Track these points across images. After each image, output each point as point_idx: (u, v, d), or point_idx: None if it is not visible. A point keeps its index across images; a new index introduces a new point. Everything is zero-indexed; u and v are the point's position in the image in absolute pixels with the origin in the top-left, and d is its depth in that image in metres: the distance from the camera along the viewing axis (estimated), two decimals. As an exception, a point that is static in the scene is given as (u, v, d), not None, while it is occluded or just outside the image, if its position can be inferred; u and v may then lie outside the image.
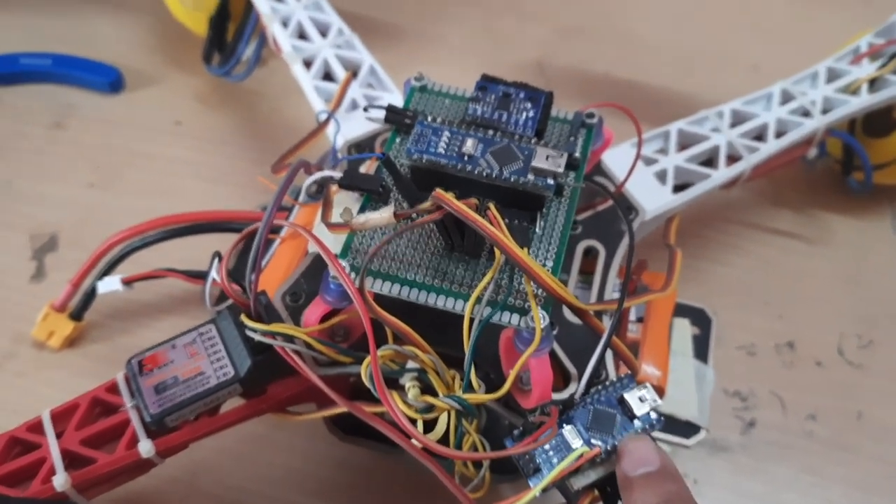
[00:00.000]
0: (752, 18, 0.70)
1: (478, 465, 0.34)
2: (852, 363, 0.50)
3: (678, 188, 0.43)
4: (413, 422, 0.32)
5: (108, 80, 0.60)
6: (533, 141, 0.33)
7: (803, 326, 0.51)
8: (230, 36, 0.57)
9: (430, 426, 0.32)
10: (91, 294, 0.46)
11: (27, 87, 0.61)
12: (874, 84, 0.48)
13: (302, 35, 0.50)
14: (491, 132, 0.34)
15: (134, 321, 0.49)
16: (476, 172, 0.32)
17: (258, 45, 0.55)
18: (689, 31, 0.68)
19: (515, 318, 0.31)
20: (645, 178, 0.43)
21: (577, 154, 0.36)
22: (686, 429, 0.41)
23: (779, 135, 0.46)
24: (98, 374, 0.37)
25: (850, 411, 0.48)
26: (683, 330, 0.43)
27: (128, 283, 0.44)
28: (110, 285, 0.44)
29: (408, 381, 0.33)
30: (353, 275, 0.32)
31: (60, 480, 0.33)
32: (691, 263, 0.53)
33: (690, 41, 0.67)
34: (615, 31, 0.68)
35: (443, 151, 0.33)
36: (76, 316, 0.47)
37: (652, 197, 0.42)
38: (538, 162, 0.32)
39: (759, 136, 0.46)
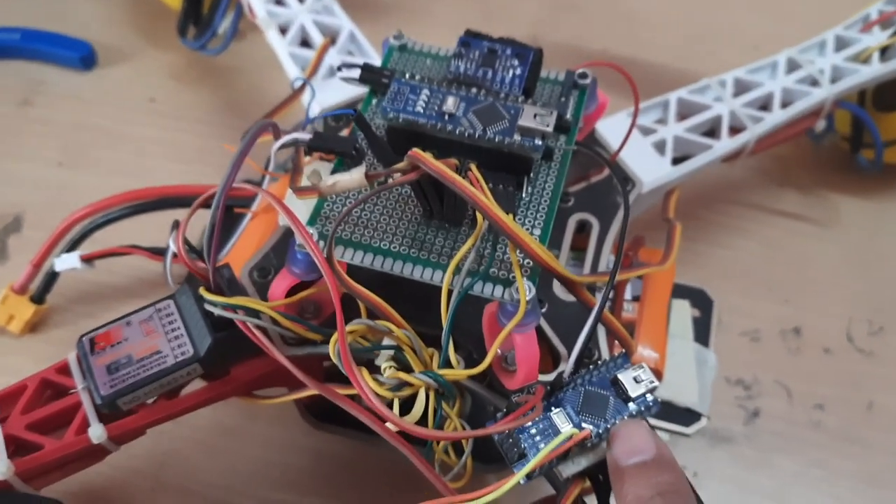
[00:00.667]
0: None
1: (459, 452, 0.32)
2: (862, 350, 0.47)
3: (677, 160, 0.40)
4: (389, 405, 0.29)
5: (80, 55, 0.57)
6: (520, 100, 0.31)
7: (810, 312, 0.48)
8: (206, 8, 0.54)
9: (407, 411, 0.30)
10: (52, 275, 0.44)
11: (-6, 63, 0.58)
12: (885, 53, 0.46)
13: (279, 1, 0.47)
14: (474, 90, 0.31)
15: (99, 304, 0.46)
16: (457, 132, 0.30)
17: (235, 17, 0.52)
18: (688, 8, 0.65)
19: (499, 290, 0.29)
20: (643, 148, 0.40)
21: (569, 116, 0.33)
22: (686, 416, 0.38)
23: (784, 105, 0.43)
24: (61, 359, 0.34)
25: (859, 401, 0.45)
26: (683, 311, 0.40)
27: (87, 260, 0.41)
28: (68, 262, 0.41)
29: (384, 362, 0.30)
30: (321, 243, 0.29)
31: (2, 468, 0.30)
32: (693, 246, 0.50)
33: (690, 19, 0.64)
34: (612, 6, 0.65)
35: (421, 110, 0.30)
36: (37, 299, 0.45)
37: (650, 168, 0.39)
38: (525, 121, 0.29)
39: (764, 105, 0.44)
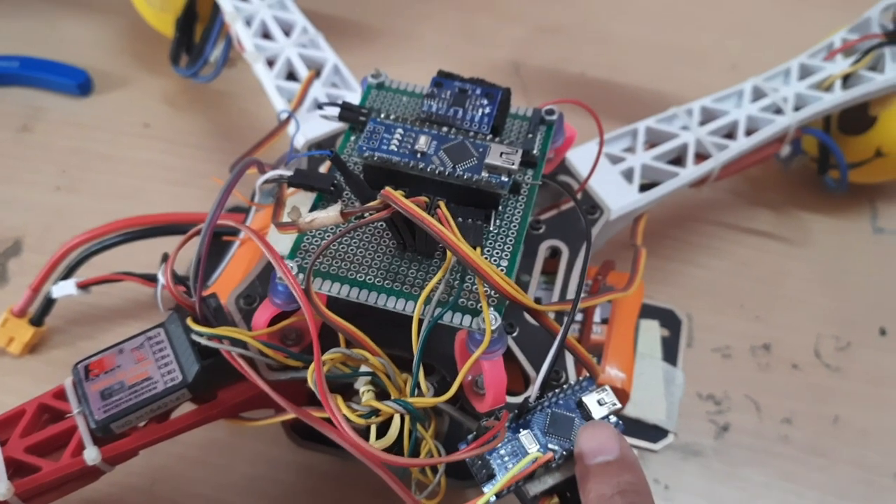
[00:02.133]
0: (732, 18, 0.69)
1: (435, 470, 0.33)
2: (829, 366, 0.49)
3: (645, 187, 0.42)
4: (368, 429, 0.31)
5: (77, 82, 0.59)
6: (488, 138, 0.33)
7: (780, 328, 0.50)
8: (198, 37, 0.56)
9: (384, 433, 0.31)
10: (51, 299, 0.45)
11: (-5, 90, 0.60)
12: (848, 80, 0.47)
13: (266, 34, 0.49)
14: (445, 129, 0.33)
15: (96, 326, 0.48)
16: (429, 170, 0.32)
17: (226, 46, 0.54)
18: (667, 31, 0.67)
19: (467, 320, 0.30)
20: (611, 176, 0.42)
21: (536, 151, 0.35)
22: (654, 433, 0.39)
23: (749, 132, 0.45)
24: (59, 380, 0.35)
25: (826, 415, 0.47)
26: (652, 332, 0.42)
27: (83, 286, 0.43)
28: (65, 289, 0.43)
29: (362, 386, 0.32)
30: (300, 276, 0.31)
31: (2, 489, 0.32)
32: (666, 266, 0.52)
33: (669, 41, 0.66)
34: (593, 31, 0.67)
35: (395, 149, 0.32)
36: (36, 321, 0.46)
37: (618, 196, 0.41)
38: (492, 159, 0.31)
39: (730, 133, 0.45)
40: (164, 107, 0.59)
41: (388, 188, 0.29)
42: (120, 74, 0.61)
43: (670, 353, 0.42)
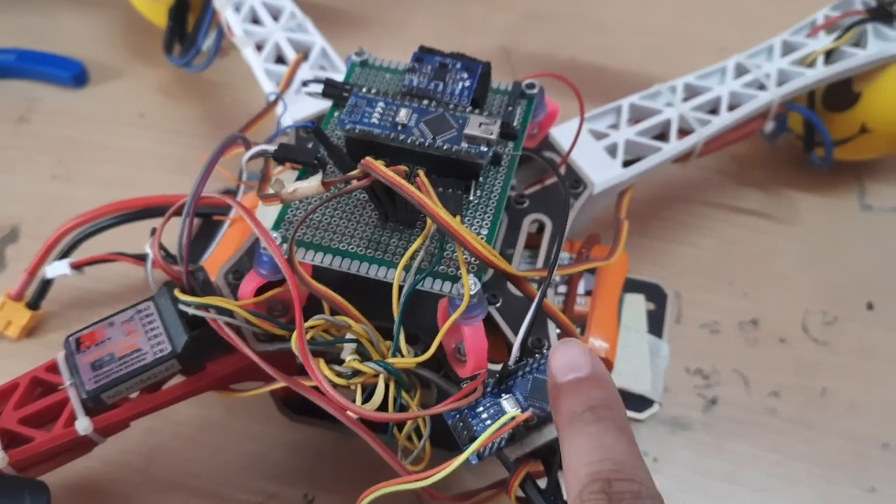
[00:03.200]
0: (721, 2, 0.69)
1: (420, 436, 0.34)
2: (817, 340, 0.49)
3: (629, 162, 0.43)
4: (353, 396, 0.32)
5: (72, 73, 0.60)
6: (468, 110, 0.33)
7: (768, 305, 0.50)
8: (190, 26, 0.56)
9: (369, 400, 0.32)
10: (46, 282, 0.46)
11: (-9, 83, 0.61)
12: (830, 56, 0.48)
13: (255, 20, 0.49)
14: (426, 102, 0.34)
15: (91, 310, 0.49)
16: (409, 141, 0.32)
17: (218, 35, 0.54)
18: (656, 15, 0.68)
19: (447, 286, 0.31)
20: (594, 151, 0.42)
21: (516, 124, 0.36)
22: (639, 403, 0.40)
23: (732, 108, 0.46)
24: (55, 363, 0.36)
25: (813, 388, 0.47)
26: (637, 305, 0.42)
27: (77, 267, 0.44)
28: (59, 269, 0.44)
29: (348, 355, 0.33)
30: (284, 246, 0.31)
31: (-3, 459, 0.33)
32: (655, 245, 0.53)
33: (658, 25, 0.67)
34: (582, 17, 0.67)
35: (376, 122, 0.33)
36: (33, 305, 0.47)
37: (601, 170, 0.42)
38: (471, 129, 0.32)
39: (713, 109, 0.46)
40: (159, 97, 0.60)
41: (368, 158, 0.30)
42: (115, 65, 0.62)
43: (655, 326, 0.43)
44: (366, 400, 0.32)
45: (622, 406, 0.27)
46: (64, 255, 0.46)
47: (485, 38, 0.65)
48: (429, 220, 0.31)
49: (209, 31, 0.55)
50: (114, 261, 0.43)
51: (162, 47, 0.58)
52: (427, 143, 0.32)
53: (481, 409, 0.31)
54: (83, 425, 0.33)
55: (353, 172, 0.31)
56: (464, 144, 0.32)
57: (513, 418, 0.30)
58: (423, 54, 0.36)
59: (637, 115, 0.45)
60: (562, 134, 0.43)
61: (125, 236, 0.46)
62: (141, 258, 0.42)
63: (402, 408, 0.33)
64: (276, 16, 0.49)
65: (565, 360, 0.28)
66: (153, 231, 0.36)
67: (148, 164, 0.56)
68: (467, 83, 0.35)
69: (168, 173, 0.56)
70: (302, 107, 0.44)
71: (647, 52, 0.64)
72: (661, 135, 0.45)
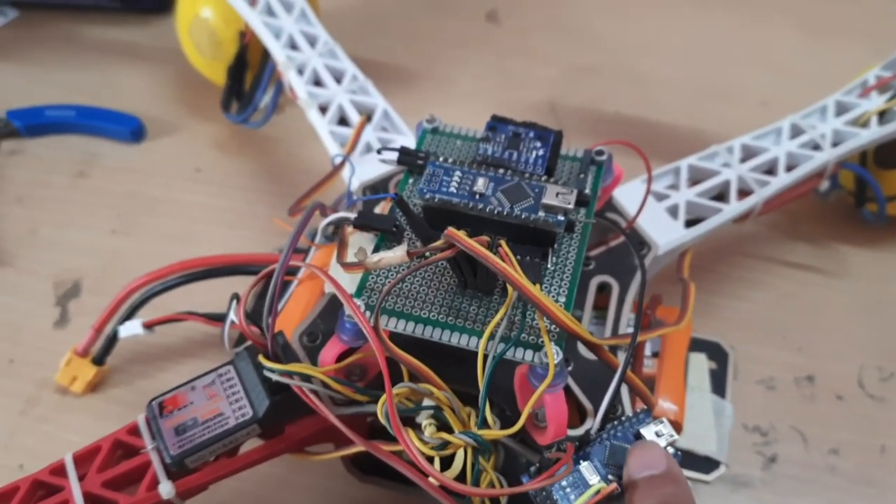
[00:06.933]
0: (761, 55, 0.70)
1: (495, 503, 0.34)
2: (873, 396, 0.49)
3: (690, 223, 0.43)
4: (430, 459, 0.32)
5: (130, 129, 0.61)
6: (543, 178, 0.34)
7: (823, 359, 0.50)
8: (248, 84, 0.58)
9: (446, 465, 0.32)
10: (113, 339, 0.47)
11: (52, 138, 0.63)
12: (883, 116, 0.48)
13: (317, 82, 0.51)
14: (502, 171, 0.34)
15: (154, 365, 0.50)
16: (487, 210, 0.33)
17: (275, 93, 0.56)
18: (697, 68, 0.69)
19: (529, 354, 0.32)
20: (657, 213, 0.43)
21: (588, 191, 0.37)
22: (705, 464, 0.40)
23: (789, 168, 0.46)
24: (120, 418, 0.37)
25: (872, 445, 0.47)
26: (700, 364, 0.43)
27: (149, 326, 0.45)
28: (132, 329, 0.45)
29: (424, 420, 0.33)
30: (367, 313, 0.32)
31: (82, 523, 0.33)
32: (708, 299, 0.53)
33: (699, 78, 0.68)
34: (625, 70, 0.69)
35: (454, 190, 0.33)
36: (98, 361, 0.48)
37: (664, 232, 0.42)
38: (549, 199, 0.33)
39: (770, 170, 0.47)
40: (215, 152, 0.61)
41: (451, 228, 0.31)
42: (171, 121, 0.63)
43: (718, 385, 0.43)
44: (444, 465, 0.32)
45: (693, 502, 0.28)
46: (131, 312, 0.46)
47: (530, 92, 0.66)
48: (510, 288, 0.32)
49: (267, 88, 0.56)
50: (186, 320, 0.44)
51: (220, 104, 0.59)
52: (505, 213, 0.33)
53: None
54: (166, 489, 0.34)
55: (437, 243, 0.31)
56: (541, 213, 0.33)
57: (598, 491, 0.30)
58: (497, 123, 0.36)
59: (696, 176, 0.46)
60: (622, 194, 0.43)
61: (185, 293, 0.47)
62: (213, 318, 0.43)
63: (478, 474, 0.33)
64: (338, 78, 0.50)
65: (642, 458, 0.29)
66: (235, 296, 0.37)
67: (204, 218, 0.58)
68: (541, 152, 0.35)
69: (224, 227, 0.57)
70: (367, 169, 0.45)
71: (690, 107, 0.65)
72: (720, 195, 0.46)
